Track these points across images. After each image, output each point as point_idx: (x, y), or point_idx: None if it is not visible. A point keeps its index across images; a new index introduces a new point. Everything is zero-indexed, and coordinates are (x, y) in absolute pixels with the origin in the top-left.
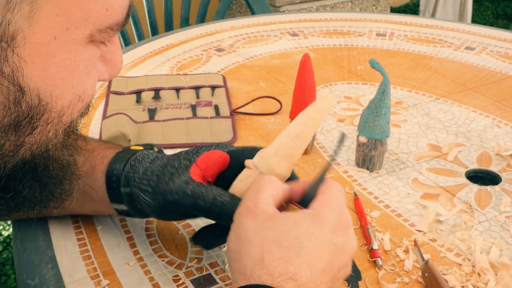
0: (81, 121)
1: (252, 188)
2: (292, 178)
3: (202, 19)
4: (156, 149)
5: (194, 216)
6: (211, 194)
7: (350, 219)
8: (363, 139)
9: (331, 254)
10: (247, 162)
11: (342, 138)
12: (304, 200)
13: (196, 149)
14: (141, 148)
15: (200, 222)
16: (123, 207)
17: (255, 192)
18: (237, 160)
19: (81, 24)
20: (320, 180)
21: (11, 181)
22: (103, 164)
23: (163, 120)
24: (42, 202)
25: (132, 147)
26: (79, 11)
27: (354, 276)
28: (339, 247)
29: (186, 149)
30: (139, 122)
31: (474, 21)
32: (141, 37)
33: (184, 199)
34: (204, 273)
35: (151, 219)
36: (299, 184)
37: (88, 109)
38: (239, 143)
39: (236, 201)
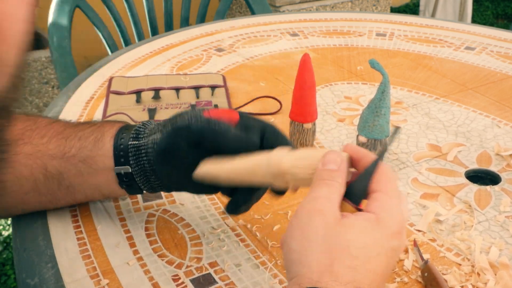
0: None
1: (320, 183)
2: None
3: (202, 19)
4: None
5: (199, 162)
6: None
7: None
8: (363, 139)
9: (390, 259)
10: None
11: (397, 130)
12: (353, 194)
13: (203, 108)
14: None
15: (200, 222)
16: (127, 168)
17: (328, 191)
18: (243, 121)
19: None
20: (370, 171)
21: None
22: (113, 129)
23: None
24: None
25: None
26: None
27: None
28: (396, 251)
29: None
30: (139, 122)
31: (474, 21)
32: (141, 37)
33: (196, 122)
34: (204, 272)
35: (151, 218)
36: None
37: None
38: None
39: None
